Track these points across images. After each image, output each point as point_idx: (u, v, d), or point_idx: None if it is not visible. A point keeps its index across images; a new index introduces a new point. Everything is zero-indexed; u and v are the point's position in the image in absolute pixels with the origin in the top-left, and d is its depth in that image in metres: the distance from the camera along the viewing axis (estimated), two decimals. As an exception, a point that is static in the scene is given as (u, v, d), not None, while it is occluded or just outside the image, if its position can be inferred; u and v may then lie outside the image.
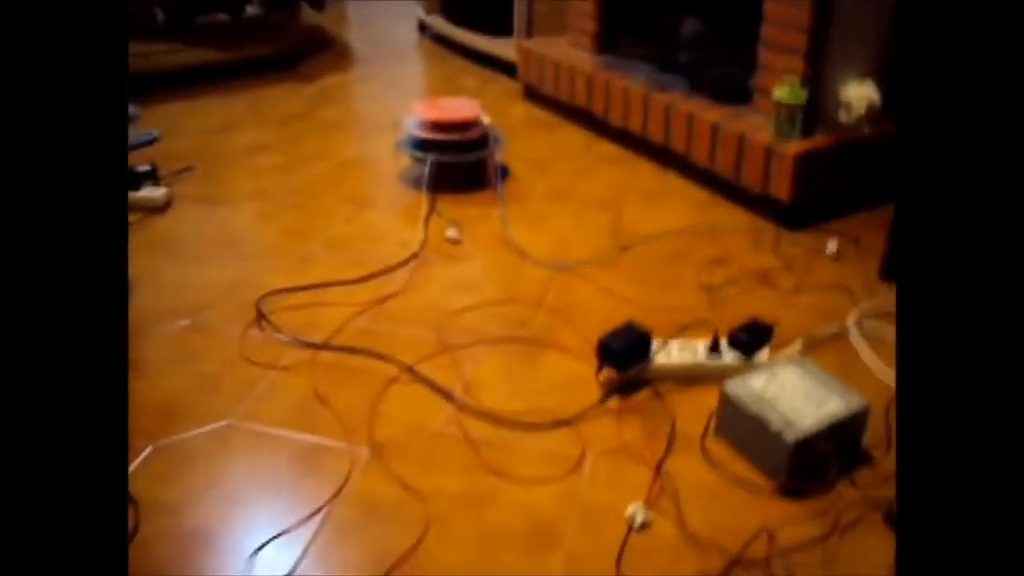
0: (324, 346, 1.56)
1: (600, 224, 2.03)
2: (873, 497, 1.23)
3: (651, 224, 2.02)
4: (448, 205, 2.11)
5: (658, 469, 1.28)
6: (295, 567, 1.13)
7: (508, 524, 1.20)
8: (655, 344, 1.46)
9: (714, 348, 1.45)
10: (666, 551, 1.15)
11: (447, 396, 1.44)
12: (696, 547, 1.16)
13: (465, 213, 2.08)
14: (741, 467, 1.29)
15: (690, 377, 1.46)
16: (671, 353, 1.47)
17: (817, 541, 1.16)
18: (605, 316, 1.64)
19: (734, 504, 1.23)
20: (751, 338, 1.44)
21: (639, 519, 1.19)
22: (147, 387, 1.47)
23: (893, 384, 1.45)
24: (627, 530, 1.18)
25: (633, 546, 1.16)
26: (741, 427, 1.29)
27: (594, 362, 1.47)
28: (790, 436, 1.20)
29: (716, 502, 1.23)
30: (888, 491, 1.24)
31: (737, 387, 1.31)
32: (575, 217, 2.07)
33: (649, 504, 1.21)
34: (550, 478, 1.27)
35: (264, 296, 1.72)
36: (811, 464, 1.24)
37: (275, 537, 1.17)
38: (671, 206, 2.12)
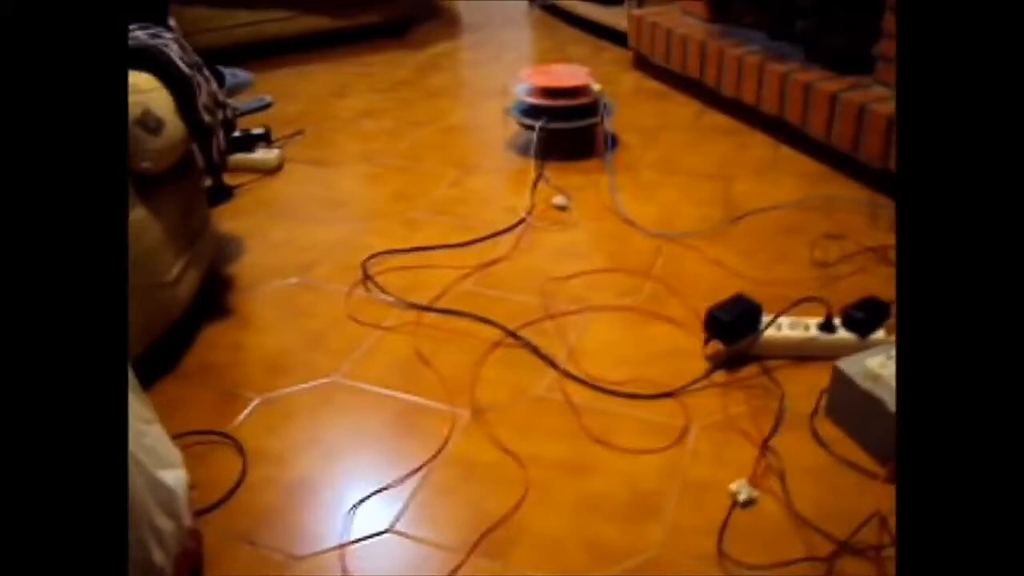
0: (428, 308, 1.57)
1: (710, 195, 1.97)
2: None
3: (763, 197, 1.95)
4: (556, 173, 2.09)
5: (764, 446, 1.24)
6: (393, 523, 1.14)
7: (607, 493, 1.18)
8: (765, 318, 1.41)
9: (827, 325, 1.40)
10: (770, 531, 1.12)
11: (550, 362, 1.42)
12: (802, 529, 1.12)
13: (573, 181, 2.05)
14: (852, 449, 1.24)
15: (801, 354, 1.41)
16: (781, 328, 1.42)
17: None
18: (713, 288, 1.59)
19: (844, 487, 1.18)
20: (867, 316, 1.38)
21: (743, 496, 1.16)
22: (256, 341, 1.51)
23: None
24: (730, 506, 1.15)
25: (736, 523, 1.12)
26: (853, 406, 1.24)
27: (701, 334, 1.43)
28: (908, 419, 1.15)
29: (825, 483, 1.19)
30: None
31: (851, 365, 1.25)
32: (684, 188, 2.02)
33: (754, 482, 1.18)
34: (652, 449, 1.25)
35: (370, 257, 1.74)
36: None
37: (375, 493, 1.19)
38: (784, 179, 2.04)
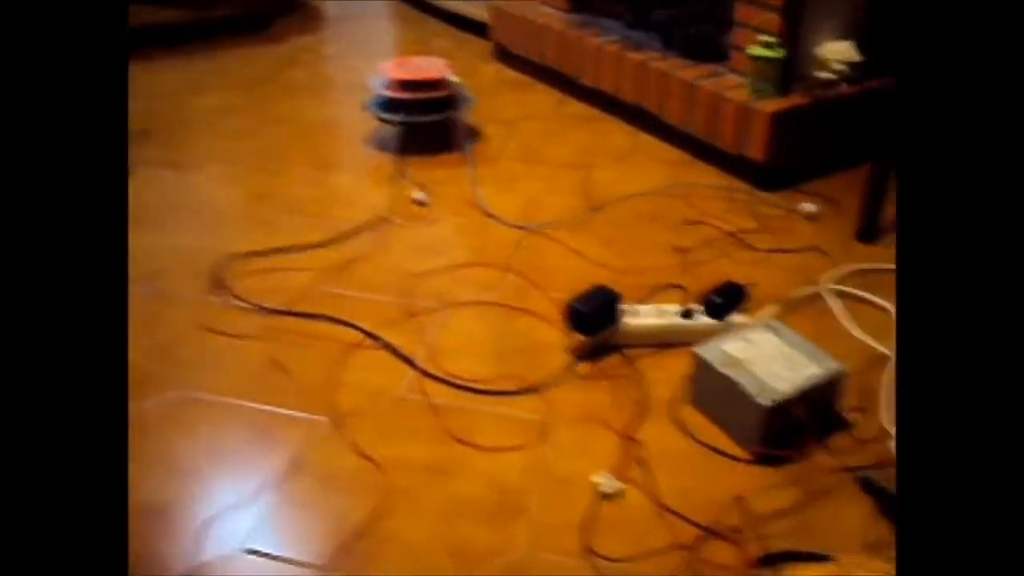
0: (284, 311, 1.50)
1: (571, 185, 1.97)
2: (848, 464, 1.19)
3: (623, 185, 1.96)
4: (417, 167, 2.04)
5: (628, 437, 1.24)
6: (246, 540, 1.08)
7: (472, 494, 1.15)
8: (625, 307, 1.41)
9: (687, 311, 1.41)
10: (636, 522, 1.11)
11: (409, 362, 1.38)
12: (668, 517, 1.12)
13: (433, 175, 2.01)
14: (714, 435, 1.25)
15: (662, 341, 1.41)
16: (642, 316, 1.42)
17: (791, 510, 1.13)
18: (575, 279, 1.58)
19: (707, 473, 1.19)
20: (725, 301, 1.40)
21: (608, 488, 1.14)
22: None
23: (870, 346, 1.42)
24: (595, 500, 1.14)
25: (602, 516, 1.12)
26: (714, 392, 1.25)
27: (562, 326, 1.42)
28: (765, 400, 1.16)
29: (688, 471, 1.19)
30: (864, 457, 1.20)
31: (709, 350, 1.26)
32: (546, 178, 2.01)
33: (618, 473, 1.17)
34: (516, 447, 1.23)
35: (224, 261, 1.66)
36: (785, 430, 1.20)
37: (225, 510, 1.13)
38: (643, 167, 2.06)
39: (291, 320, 1.49)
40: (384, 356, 1.40)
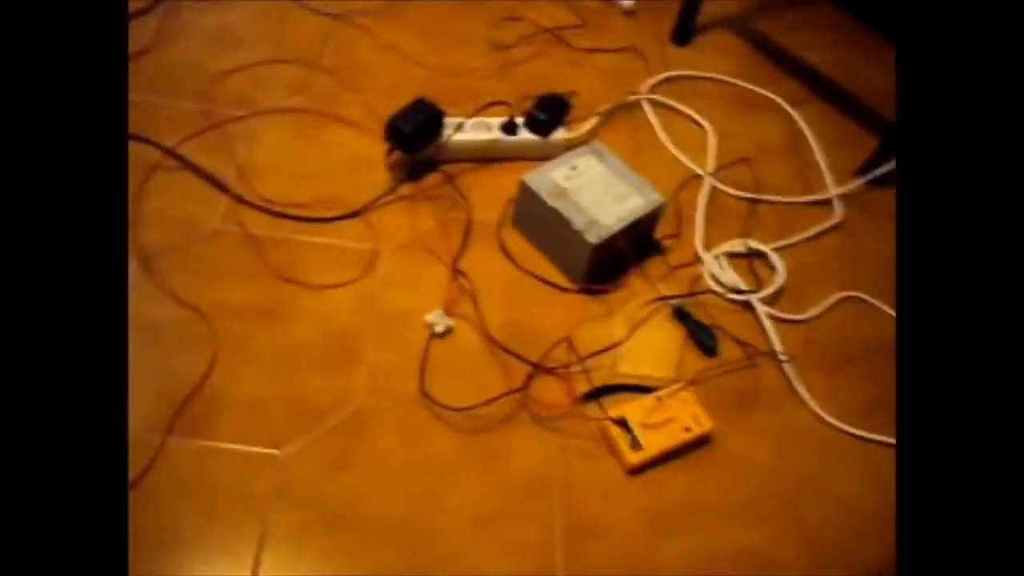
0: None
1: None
2: (662, 292, 1.27)
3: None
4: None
5: (456, 271, 1.24)
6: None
7: (304, 339, 1.13)
8: (448, 122, 1.35)
9: (510, 125, 1.37)
10: (468, 360, 1.15)
11: (220, 186, 1.28)
12: (498, 353, 1.16)
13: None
14: (536, 261, 1.28)
15: (484, 156, 1.39)
16: (464, 131, 1.37)
17: (611, 341, 1.20)
18: (391, 81, 1.49)
19: (533, 303, 1.23)
20: (548, 117, 1.37)
21: (440, 328, 1.16)
22: None
23: (685, 165, 1.46)
24: (427, 339, 1.16)
25: (435, 355, 1.14)
26: (540, 220, 1.26)
27: (381, 138, 1.33)
28: (593, 237, 1.19)
29: (515, 302, 1.22)
30: (678, 285, 1.28)
31: (537, 180, 1.25)
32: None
33: (448, 309, 1.19)
34: (344, 282, 1.20)
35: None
36: (608, 262, 1.25)
37: None
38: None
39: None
40: (190, 179, 1.28)
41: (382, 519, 0.99)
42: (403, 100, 1.33)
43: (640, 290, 1.27)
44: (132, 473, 0.97)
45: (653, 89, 1.58)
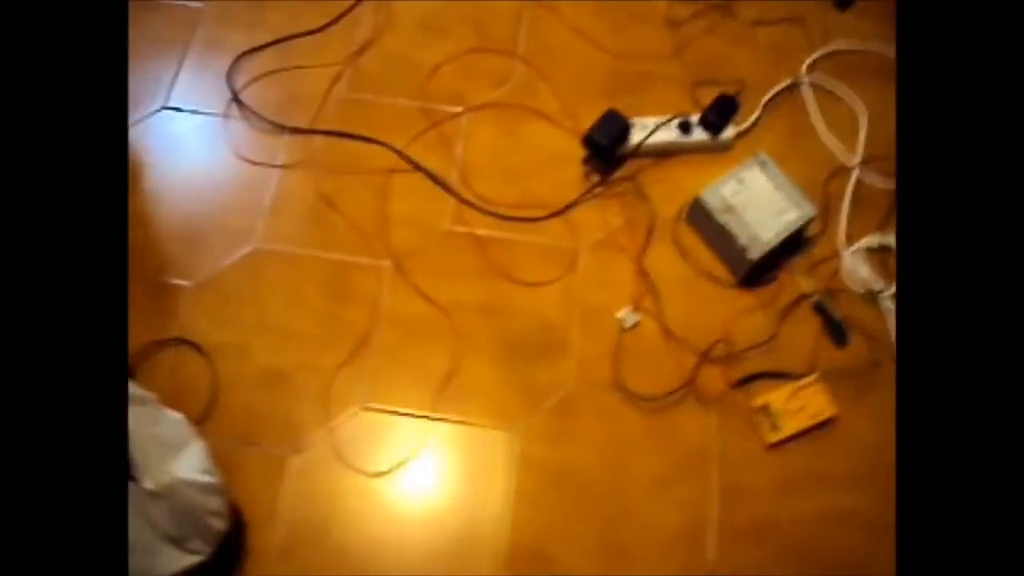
0: (314, 131, 1.57)
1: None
2: (804, 288, 1.49)
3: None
4: None
5: (640, 265, 1.49)
6: (367, 399, 1.37)
7: (523, 333, 1.43)
8: (634, 126, 1.56)
9: (685, 125, 1.58)
10: (651, 350, 1.44)
11: (447, 188, 1.54)
12: (674, 345, 1.44)
13: None
14: (704, 255, 1.52)
15: (661, 151, 1.60)
16: (647, 131, 1.57)
17: (762, 333, 1.45)
18: (579, 68, 1.67)
19: (701, 297, 1.48)
20: (719, 118, 1.58)
21: (629, 322, 1.46)
22: (159, 229, 1.48)
23: (835, 157, 1.61)
24: (619, 333, 1.45)
25: (626, 347, 1.44)
26: (710, 228, 1.50)
27: (573, 131, 1.57)
28: (754, 254, 1.44)
29: (687, 297, 1.48)
30: (818, 280, 1.50)
31: (710, 196, 1.48)
32: None
33: (636, 304, 1.47)
34: (551, 280, 1.48)
35: (233, 64, 1.64)
36: (765, 264, 1.49)
37: (335, 370, 1.37)
38: None
39: (321, 139, 1.57)
40: (421, 181, 1.55)
41: (587, 481, 1.35)
42: (590, 90, 1.59)
43: (787, 284, 1.52)
44: (414, 450, 1.34)
45: (811, 68, 1.71)
